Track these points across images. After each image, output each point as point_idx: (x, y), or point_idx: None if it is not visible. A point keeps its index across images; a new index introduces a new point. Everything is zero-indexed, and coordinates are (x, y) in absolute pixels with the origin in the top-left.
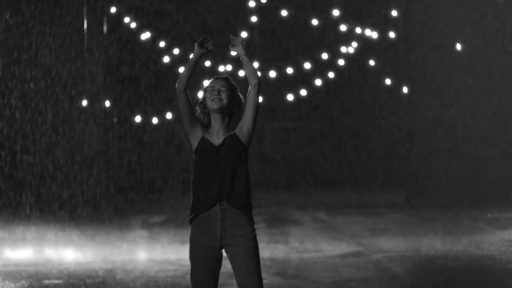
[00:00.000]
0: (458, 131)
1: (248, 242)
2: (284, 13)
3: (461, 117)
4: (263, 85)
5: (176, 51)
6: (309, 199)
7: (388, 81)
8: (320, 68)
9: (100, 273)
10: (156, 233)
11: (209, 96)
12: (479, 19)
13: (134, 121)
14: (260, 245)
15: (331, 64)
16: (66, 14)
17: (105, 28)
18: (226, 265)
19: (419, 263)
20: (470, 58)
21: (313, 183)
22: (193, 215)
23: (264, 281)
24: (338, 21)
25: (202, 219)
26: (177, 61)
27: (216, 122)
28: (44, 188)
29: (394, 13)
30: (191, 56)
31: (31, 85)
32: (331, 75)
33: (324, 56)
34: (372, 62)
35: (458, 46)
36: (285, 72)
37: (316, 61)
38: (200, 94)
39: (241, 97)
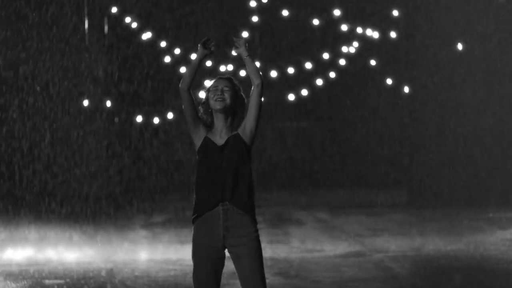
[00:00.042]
0: (459, 130)
1: (251, 243)
2: (285, 13)
3: (462, 117)
4: (264, 85)
5: (177, 51)
6: (310, 199)
7: (389, 81)
8: (321, 68)
9: (101, 273)
10: (158, 233)
11: (212, 96)
12: (480, 19)
13: (135, 121)
14: (261, 245)
15: (332, 64)
16: (67, 14)
17: (106, 28)
18: (227, 265)
19: (420, 263)
20: (472, 58)
21: (314, 183)
22: (196, 215)
23: None
24: (339, 21)
25: (205, 219)
26: (178, 61)
27: (219, 122)
28: (45, 188)
29: (395, 13)
30: (195, 56)
31: (31, 85)
32: (332, 75)
33: (325, 56)
34: (373, 62)
35: (460, 46)
36: (286, 72)
37: (317, 61)
38: (202, 94)
39: (244, 97)
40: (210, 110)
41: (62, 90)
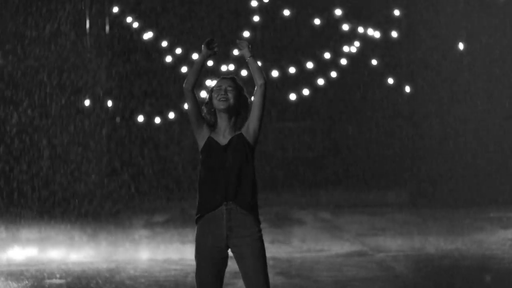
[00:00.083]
0: (460, 130)
1: (255, 243)
2: (286, 12)
3: (463, 116)
4: (268, 85)
5: (178, 50)
6: (311, 199)
7: (390, 81)
8: (323, 68)
9: (103, 273)
10: (159, 233)
11: (215, 96)
12: (481, 19)
13: (137, 120)
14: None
15: (333, 63)
16: (68, 14)
17: (107, 27)
18: (230, 265)
19: (422, 263)
20: (473, 58)
21: (315, 183)
22: (199, 214)
23: None
24: (340, 20)
25: (208, 219)
26: (179, 60)
27: (222, 122)
28: (46, 187)
29: (397, 12)
30: (198, 56)
31: (33, 85)
32: (333, 74)
33: (327, 55)
34: (374, 62)
35: (461, 46)
36: (288, 72)
37: (318, 60)
38: (203, 94)
39: (248, 97)
40: (213, 110)
41: (62, 90)
